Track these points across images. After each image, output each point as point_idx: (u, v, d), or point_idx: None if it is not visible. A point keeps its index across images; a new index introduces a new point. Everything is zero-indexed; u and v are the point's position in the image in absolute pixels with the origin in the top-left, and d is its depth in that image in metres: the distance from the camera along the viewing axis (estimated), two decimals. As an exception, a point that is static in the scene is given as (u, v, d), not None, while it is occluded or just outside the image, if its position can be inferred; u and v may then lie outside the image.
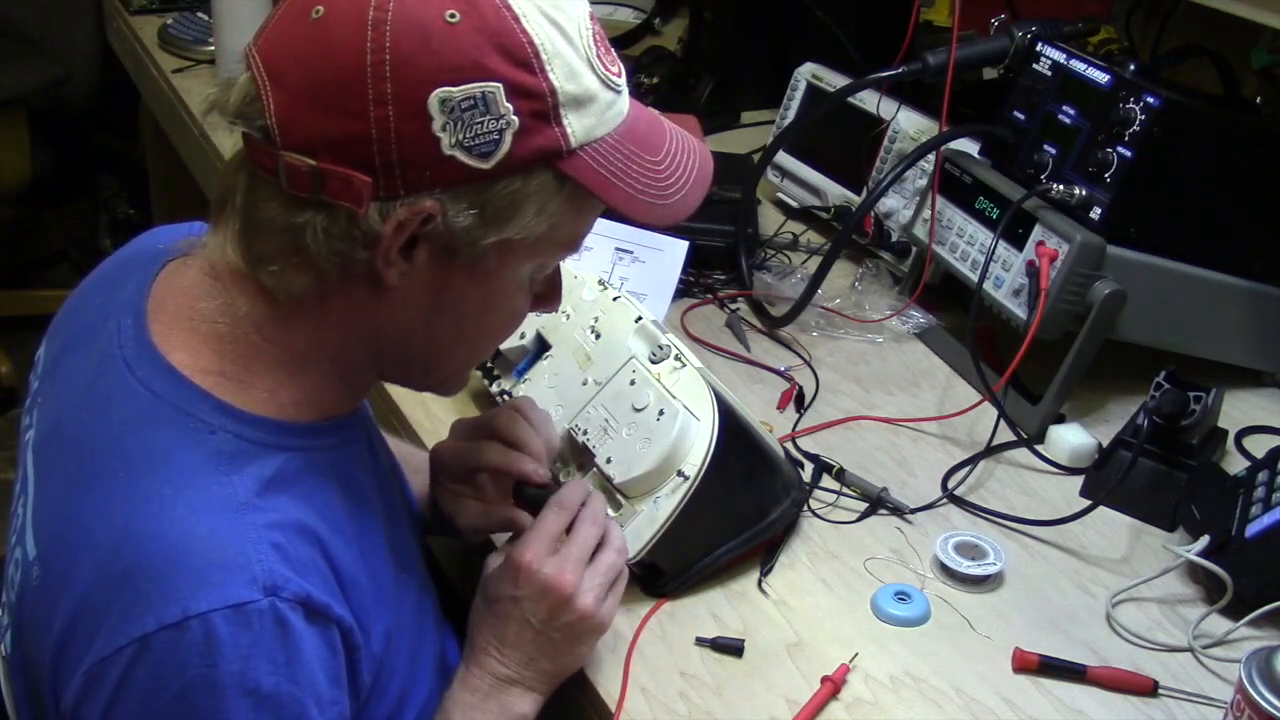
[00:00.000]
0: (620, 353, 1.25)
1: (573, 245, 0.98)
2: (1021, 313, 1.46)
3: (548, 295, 1.03)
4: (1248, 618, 1.19)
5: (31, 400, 1.03)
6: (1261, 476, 1.29)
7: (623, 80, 0.94)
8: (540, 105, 0.87)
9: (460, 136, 0.84)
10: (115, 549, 0.86)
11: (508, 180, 0.87)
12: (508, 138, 0.86)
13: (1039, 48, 1.55)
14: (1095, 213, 1.43)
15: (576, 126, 0.89)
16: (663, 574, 1.17)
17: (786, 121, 1.93)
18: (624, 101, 0.94)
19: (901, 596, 1.21)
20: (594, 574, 1.06)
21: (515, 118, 0.86)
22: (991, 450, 1.44)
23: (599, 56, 0.91)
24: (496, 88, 0.85)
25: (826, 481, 1.37)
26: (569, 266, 1.43)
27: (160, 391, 0.91)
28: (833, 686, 1.10)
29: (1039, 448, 1.45)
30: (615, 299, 1.31)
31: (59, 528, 0.90)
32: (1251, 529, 1.23)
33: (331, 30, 0.84)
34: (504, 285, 0.95)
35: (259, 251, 0.90)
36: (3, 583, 1.00)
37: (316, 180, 0.85)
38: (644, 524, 1.16)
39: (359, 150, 0.84)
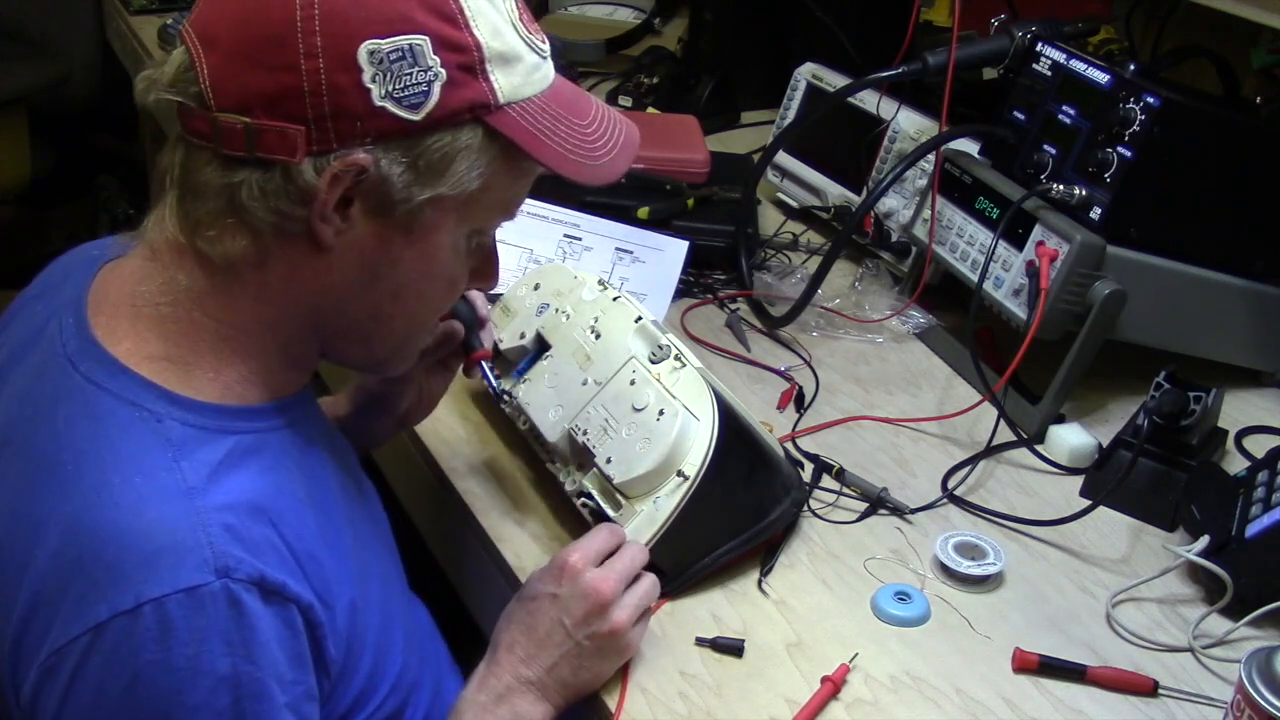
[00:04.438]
0: (620, 353, 1.25)
1: (508, 210, 1.00)
2: (1021, 313, 1.46)
3: (485, 269, 1.05)
4: (1248, 618, 1.19)
5: None
6: (1261, 476, 1.29)
7: (547, 48, 0.98)
8: (467, 59, 0.90)
9: (390, 88, 0.87)
10: (67, 541, 0.86)
11: (439, 134, 0.90)
12: (436, 89, 0.89)
13: (1039, 48, 1.55)
14: (1095, 213, 1.43)
15: (503, 83, 0.92)
16: (663, 574, 1.17)
17: (786, 121, 1.93)
18: (549, 68, 0.98)
19: (901, 596, 1.21)
20: (633, 594, 1.10)
21: (443, 70, 0.89)
22: (991, 450, 1.44)
23: (522, 21, 0.95)
24: (423, 40, 0.88)
25: (826, 481, 1.37)
26: (569, 267, 1.44)
27: (105, 384, 0.91)
28: (833, 686, 1.10)
29: (1039, 448, 1.45)
30: (615, 299, 1.31)
31: (10, 526, 0.90)
32: (1251, 529, 1.23)
33: None
34: (440, 248, 0.97)
35: (196, 217, 0.91)
36: None
37: (251, 137, 0.87)
38: (644, 524, 1.16)
39: (292, 104, 0.87)
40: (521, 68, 0.94)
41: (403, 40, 0.87)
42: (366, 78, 0.87)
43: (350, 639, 0.99)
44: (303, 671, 0.92)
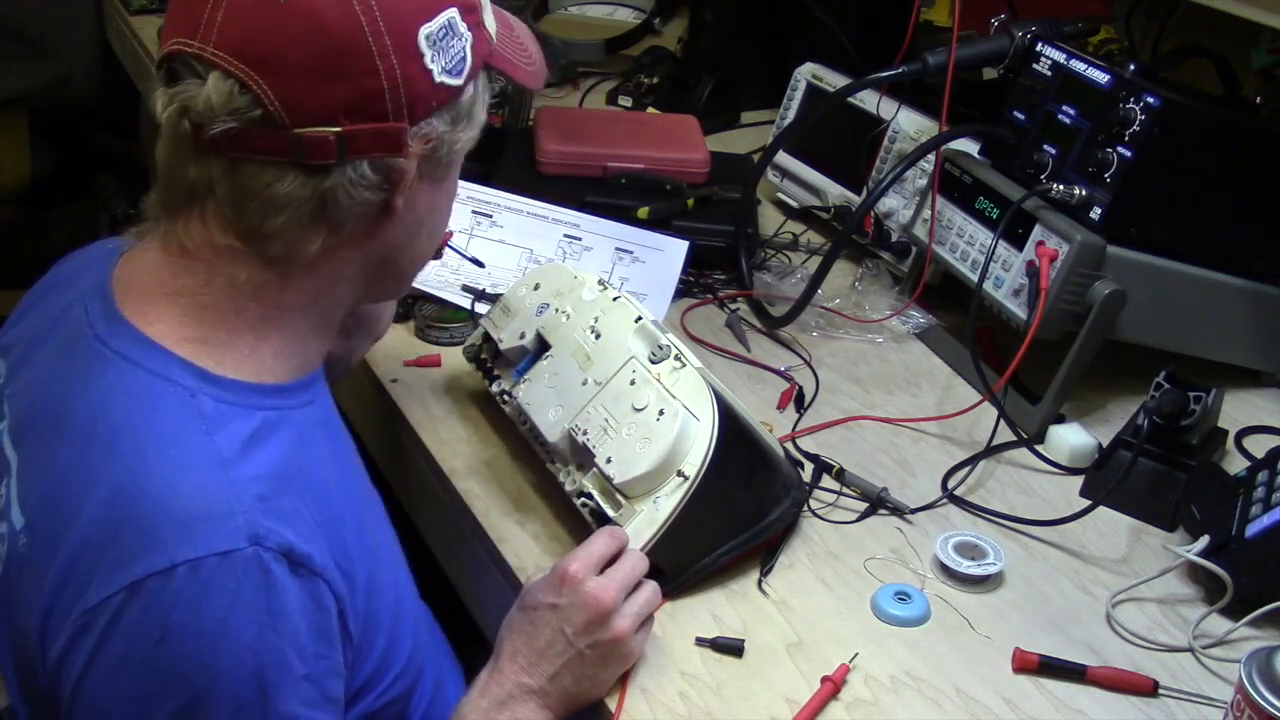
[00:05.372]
0: (620, 353, 1.25)
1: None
2: (1021, 313, 1.46)
3: None
4: (1248, 618, 1.19)
5: None
6: (1261, 476, 1.29)
7: None
8: (476, 16, 0.99)
9: (444, 63, 0.95)
10: (104, 508, 0.88)
11: (469, 89, 0.99)
12: (468, 52, 0.97)
13: (1039, 48, 1.55)
14: (1095, 213, 1.43)
15: (489, 24, 1.02)
16: (663, 574, 1.17)
17: (786, 121, 1.93)
18: None
19: (901, 596, 1.21)
20: (634, 602, 1.09)
21: (468, 32, 0.97)
22: (991, 450, 1.44)
23: None
24: (454, 11, 0.96)
25: (826, 481, 1.37)
26: (569, 267, 1.44)
27: (138, 360, 0.94)
28: (833, 686, 1.10)
29: (1039, 448, 1.45)
30: (615, 299, 1.31)
31: (47, 496, 0.93)
32: (1251, 529, 1.23)
33: (312, 5, 0.89)
34: (457, 179, 1.07)
35: (270, 229, 0.94)
36: None
37: (343, 143, 0.92)
38: (644, 524, 1.16)
39: (373, 104, 0.92)
40: (489, 4, 1.01)
41: (443, 17, 0.94)
42: (428, 60, 0.93)
43: (367, 614, 1.01)
44: (326, 646, 0.93)
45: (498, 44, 1.03)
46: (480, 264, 1.44)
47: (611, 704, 1.09)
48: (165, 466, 0.89)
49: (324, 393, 1.07)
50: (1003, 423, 1.44)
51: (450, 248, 1.33)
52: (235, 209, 0.93)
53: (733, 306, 1.69)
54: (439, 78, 0.94)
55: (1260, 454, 1.38)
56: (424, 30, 0.93)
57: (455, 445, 1.39)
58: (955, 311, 1.66)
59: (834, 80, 1.87)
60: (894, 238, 1.73)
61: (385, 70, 0.91)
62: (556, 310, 1.34)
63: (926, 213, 1.64)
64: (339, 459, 1.05)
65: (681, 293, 1.68)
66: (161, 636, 0.86)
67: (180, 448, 0.90)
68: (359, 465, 1.10)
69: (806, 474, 1.36)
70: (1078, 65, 1.50)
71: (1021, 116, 1.56)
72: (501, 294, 1.44)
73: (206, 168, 0.93)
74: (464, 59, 0.96)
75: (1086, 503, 1.34)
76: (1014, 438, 1.46)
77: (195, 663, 0.87)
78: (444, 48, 0.94)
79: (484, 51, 1.00)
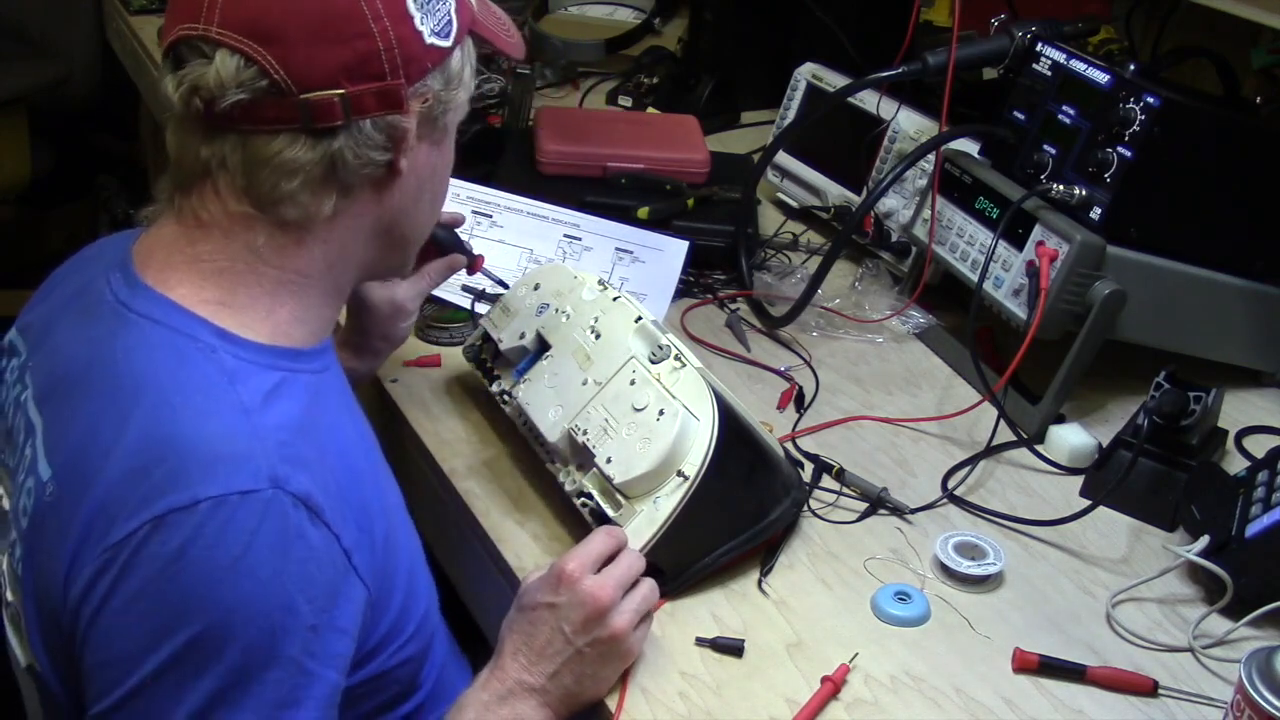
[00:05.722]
0: (620, 353, 1.25)
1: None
2: (1021, 313, 1.46)
3: None
4: (1248, 618, 1.19)
5: (19, 373, 1.07)
6: (1261, 476, 1.29)
7: None
8: None
9: (432, 25, 1.00)
10: (131, 453, 0.91)
11: (457, 50, 1.03)
12: (453, 14, 1.02)
13: (1039, 48, 1.56)
14: (1095, 213, 1.43)
15: None
16: (663, 574, 1.17)
17: (786, 121, 1.93)
18: None
19: (901, 596, 1.21)
20: (631, 599, 1.10)
21: None
22: (991, 450, 1.44)
23: None
24: None
25: (826, 481, 1.37)
26: (569, 267, 1.44)
27: (161, 320, 0.97)
28: (833, 686, 1.10)
29: (1039, 448, 1.45)
30: (615, 299, 1.31)
31: (73, 446, 0.95)
32: (1251, 529, 1.23)
33: None
34: (452, 144, 1.10)
35: (282, 194, 0.97)
36: (10, 526, 1.03)
37: (347, 105, 0.96)
38: (644, 524, 1.16)
39: (372, 65, 0.96)
40: None
41: None
42: (418, 22, 0.98)
43: (384, 571, 1.02)
44: (332, 601, 0.95)
45: (480, 13, 1.08)
46: (505, 286, 1.46)
47: (611, 704, 1.09)
48: (190, 413, 0.92)
49: (336, 363, 1.09)
50: (1003, 423, 1.44)
51: (484, 272, 1.41)
52: (247, 178, 0.97)
53: (733, 306, 1.69)
54: (429, 39, 0.99)
55: (1260, 454, 1.38)
56: None
57: (455, 445, 1.39)
58: (955, 311, 1.66)
59: (834, 80, 1.87)
60: (894, 238, 1.73)
61: (379, 32, 0.95)
62: (556, 310, 1.34)
63: (926, 213, 1.64)
64: (354, 423, 1.08)
65: (681, 293, 1.68)
66: (178, 569, 0.88)
67: (205, 395, 0.94)
68: (372, 434, 1.13)
69: (806, 474, 1.36)
70: (1078, 65, 1.50)
71: (1021, 116, 1.56)
72: (501, 294, 1.44)
73: (219, 144, 0.97)
74: (450, 21, 1.01)
75: (1086, 503, 1.34)
76: (1014, 438, 1.46)
77: (208, 597, 0.89)
78: (431, 10, 0.99)
79: (468, 18, 1.04)
